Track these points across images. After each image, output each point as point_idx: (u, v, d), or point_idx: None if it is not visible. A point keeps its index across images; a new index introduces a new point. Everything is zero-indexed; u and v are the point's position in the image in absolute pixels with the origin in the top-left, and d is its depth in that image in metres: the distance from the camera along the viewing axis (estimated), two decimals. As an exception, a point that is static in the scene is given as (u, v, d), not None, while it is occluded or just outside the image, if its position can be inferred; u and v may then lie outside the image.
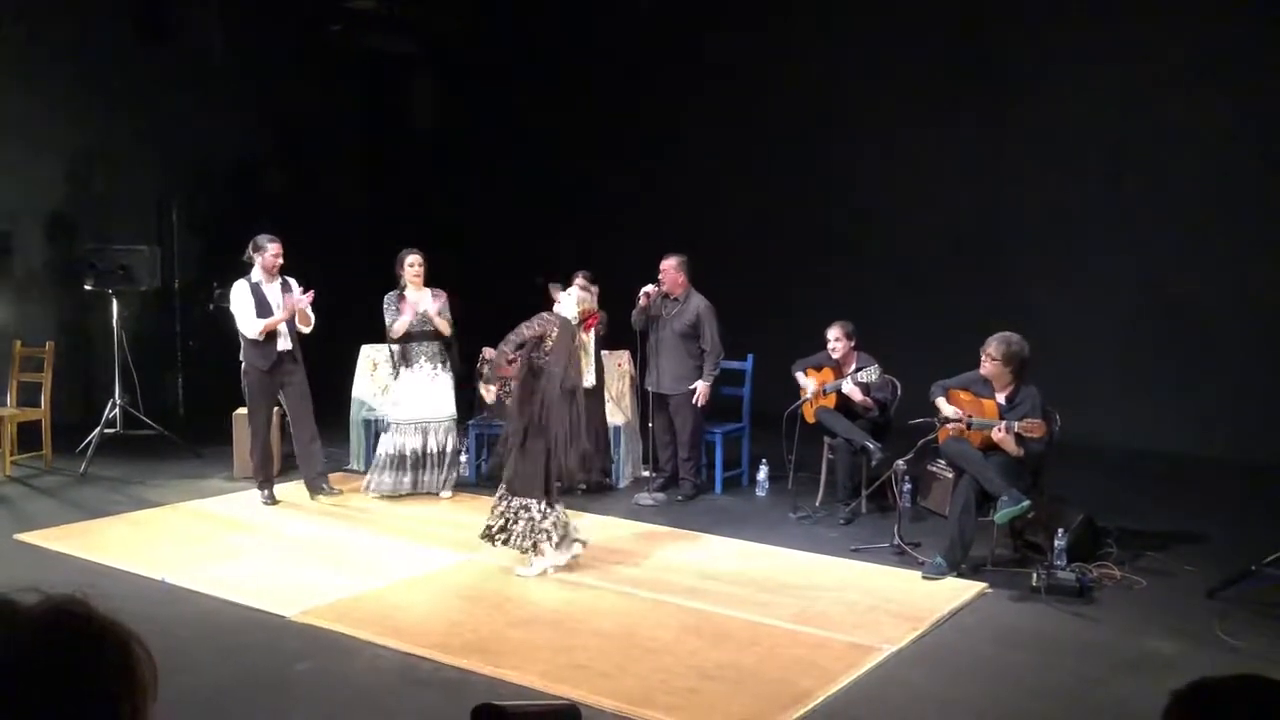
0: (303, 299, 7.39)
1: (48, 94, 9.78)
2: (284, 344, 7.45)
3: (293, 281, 7.53)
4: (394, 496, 7.65)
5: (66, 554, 6.30)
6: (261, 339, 7.34)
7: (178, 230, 10.90)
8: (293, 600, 5.49)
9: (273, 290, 7.42)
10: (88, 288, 9.22)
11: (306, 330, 7.58)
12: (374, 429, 8.57)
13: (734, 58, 11.20)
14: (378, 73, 12.84)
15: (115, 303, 9.19)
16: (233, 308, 7.42)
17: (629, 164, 11.79)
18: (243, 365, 7.53)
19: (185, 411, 10.71)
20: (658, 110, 11.67)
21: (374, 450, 8.53)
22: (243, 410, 8.36)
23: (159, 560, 6.15)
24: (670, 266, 7.74)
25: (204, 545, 6.55)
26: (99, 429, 8.70)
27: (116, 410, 9.11)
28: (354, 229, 12.60)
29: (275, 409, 7.79)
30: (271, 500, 7.54)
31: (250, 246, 7.48)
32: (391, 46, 12.56)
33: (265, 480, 7.57)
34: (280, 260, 7.44)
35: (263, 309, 7.35)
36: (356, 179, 12.93)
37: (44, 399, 8.49)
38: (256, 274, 7.41)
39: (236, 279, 7.50)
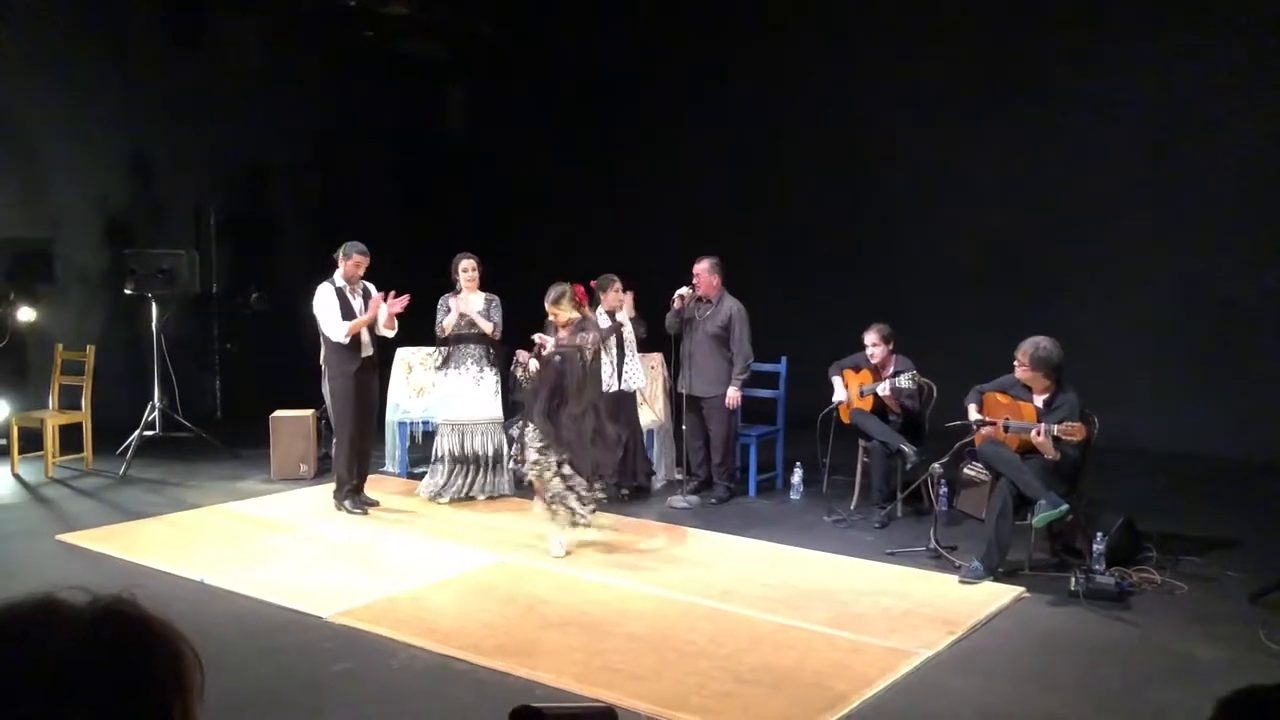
0: (395, 303, 7.33)
1: (87, 103, 9.90)
2: (367, 350, 7.39)
3: (371, 287, 7.48)
4: (454, 501, 7.68)
5: (107, 554, 6.37)
6: (347, 342, 7.27)
7: (215, 235, 11.02)
8: (329, 601, 5.53)
9: (356, 294, 7.37)
10: (127, 292, 9.34)
11: (390, 335, 7.58)
12: (408, 430, 8.63)
13: (768, 59, 11.17)
14: (411, 78, 12.91)
15: (154, 307, 9.31)
16: (317, 312, 7.32)
17: (661, 166, 11.79)
18: (325, 371, 7.46)
19: (223, 414, 10.82)
20: (691, 112, 11.66)
21: (407, 453, 8.63)
22: (280, 412, 8.45)
23: (198, 561, 6.21)
24: (704, 269, 7.72)
25: (242, 547, 6.61)
26: (138, 431, 8.81)
27: (156, 413, 9.22)
28: (388, 233, 12.66)
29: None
30: (363, 510, 7.41)
31: (340, 252, 7.37)
32: (424, 52, 12.64)
33: (351, 490, 7.45)
34: (360, 271, 7.35)
35: (346, 313, 7.29)
36: (390, 183, 13.01)
37: (85, 402, 8.61)
38: (340, 279, 7.35)
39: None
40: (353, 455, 7.44)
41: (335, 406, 7.46)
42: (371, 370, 7.50)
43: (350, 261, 7.34)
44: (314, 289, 7.39)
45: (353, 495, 7.47)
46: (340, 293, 7.32)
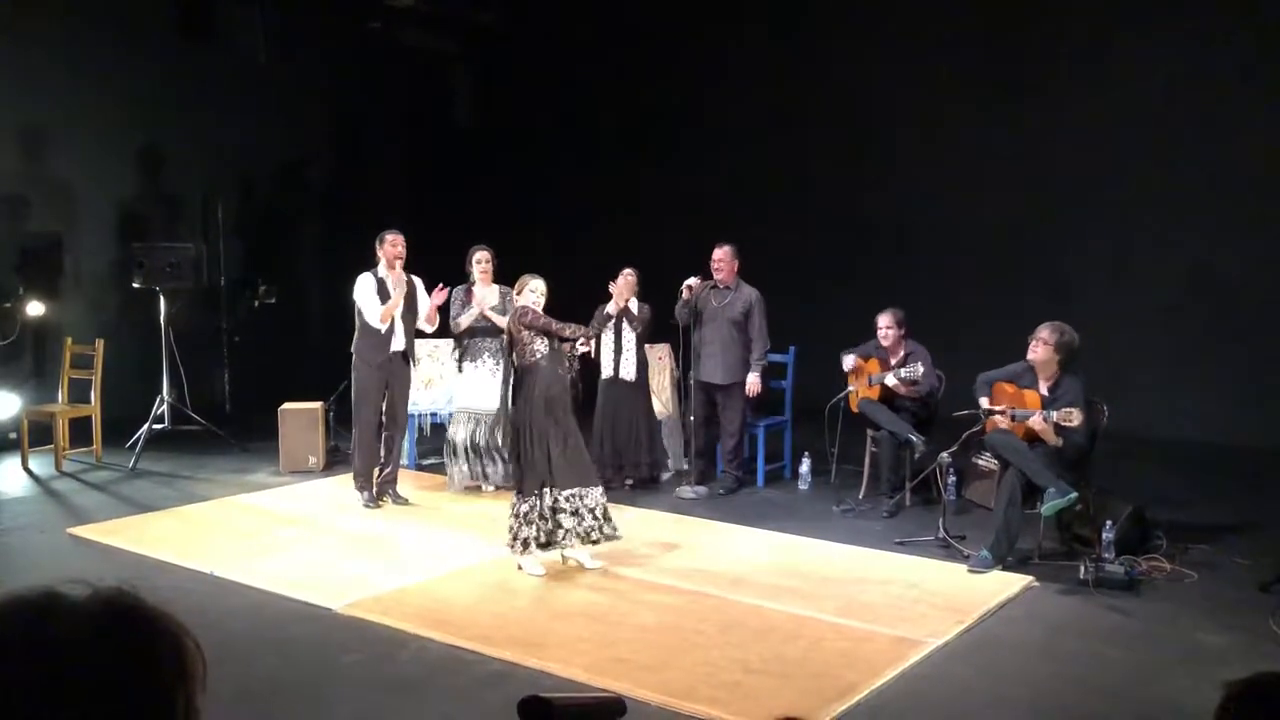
0: (437, 295, 7.37)
1: (95, 97, 9.92)
2: (398, 344, 7.40)
3: (418, 280, 7.49)
4: (471, 489, 7.78)
5: (117, 548, 6.39)
6: (383, 329, 7.27)
7: (223, 228, 11.03)
8: (339, 593, 5.55)
9: (399, 286, 7.34)
10: (136, 285, 9.35)
11: (429, 329, 7.59)
12: (416, 422, 8.64)
13: (776, 47, 11.14)
14: (419, 69, 12.90)
15: (163, 300, 9.32)
16: (356, 298, 7.35)
17: (671, 156, 11.76)
18: (353, 360, 7.48)
19: (232, 407, 10.84)
20: (699, 101, 11.63)
21: (415, 445, 8.64)
22: (289, 405, 8.46)
23: (207, 554, 6.23)
24: (726, 254, 7.73)
25: (251, 539, 6.63)
26: (148, 424, 8.83)
27: (165, 406, 9.25)
28: (396, 226, 12.65)
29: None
30: (373, 503, 7.42)
31: (376, 241, 7.43)
32: (432, 43, 12.63)
33: (367, 481, 7.47)
34: (398, 250, 7.34)
35: (385, 301, 7.31)
36: (399, 176, 13.02)
37: (94, 395, 8.64)
38: (382, 269, 7.38)
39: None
40: (370, 446, 7.46)
41: (355, 396, 7.50)
42: (400, 365, 7.47)
43: (385, 244, 7.35)
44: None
45: (387, 486, 7.53)
46: (381, 283, 7.34)
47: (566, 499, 5.89)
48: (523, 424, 5.91)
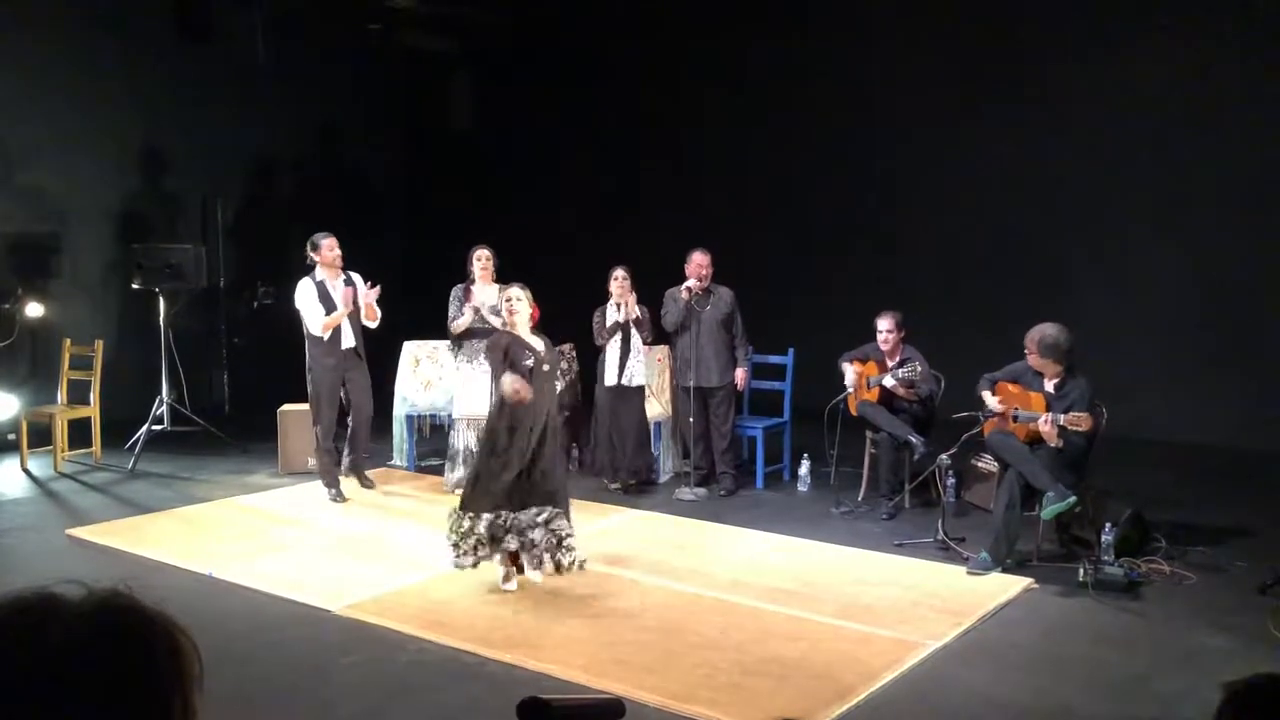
0: (368, 293, 7.44)
1: (94, 96, 9.92)
2: (348, 342, 7.47)
3: (357, 277, 7.55)
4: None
5: (116, 549, 6.39)
6: (326, 336, 7.36)
7: (222, 229, 11.03)
8: (337, 594, 5.55)
9: (336, 287, 7.44)
10: (135, 286, 9.36)
11: (373, 325, 7.62)
12: (415, 424, 8.63)
13: (776, 48, 11.13)
14: (417, 71, 12.91)
15: (162, 301, 9.32)
16: (298, 306, 7.44)
17: (671, 156, 11.76)
18: (307, 362, 7.54)
19: (231, 408, 10.84)
20: (697, 105, 11.62)
21: (414, 446, 8.64)
22: (288, 406, 8.46)
23: (206, 555, 6.23)
24: (709, 260, 7.76)
25: (250, 540, 6.63)
26: (147, 425, 8.83)
27: (164, 407, 9.24)
28: (394, 227, 12.69)
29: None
30: (340, 498, 7.56)
31: (308, 246, 7.51)
32: (431, 45, 12.63)
33: (333, 479, 7.60)
34: (336, 253, 7.45)
35: (327, 306, 7.38)
36: (397, 176, 13.01)
37: (93, 396, 8.63)
38: (320, 272, 7.44)
39: (295, 278, 7.58)
40: (332, 448, 7.63)
41: (312, 397, 7.56)
42: (352, 362, 7.55)
43: (324, 249, 7.43)
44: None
45: (361, 466, 7.75)
46: (320, 285, 7.40)
47: (525, 521, 5.51)
48: (489, 441, 5.64)
